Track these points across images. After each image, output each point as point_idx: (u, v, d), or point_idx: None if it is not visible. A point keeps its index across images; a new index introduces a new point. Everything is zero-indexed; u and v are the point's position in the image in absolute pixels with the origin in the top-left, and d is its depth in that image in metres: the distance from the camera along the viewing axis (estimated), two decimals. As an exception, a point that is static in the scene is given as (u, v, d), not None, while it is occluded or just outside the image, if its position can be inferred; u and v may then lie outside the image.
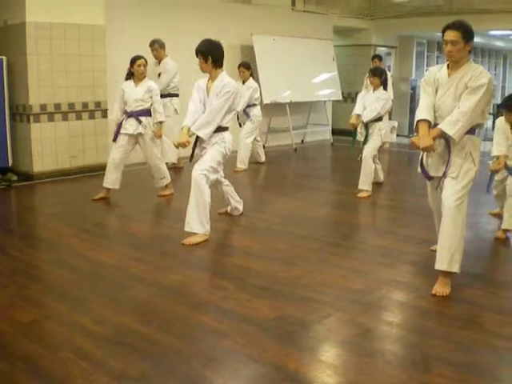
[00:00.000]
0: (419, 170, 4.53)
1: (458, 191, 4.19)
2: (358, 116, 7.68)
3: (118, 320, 3.82)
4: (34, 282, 4.57)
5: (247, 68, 9.64)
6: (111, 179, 7.31)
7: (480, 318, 3.92)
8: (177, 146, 5.73)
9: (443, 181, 4.32)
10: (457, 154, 4.23)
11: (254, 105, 9.74)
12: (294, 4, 12.91)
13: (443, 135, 4.18)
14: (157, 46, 8.75)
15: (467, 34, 4.13)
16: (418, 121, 4.30)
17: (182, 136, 5.58)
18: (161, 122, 7.32)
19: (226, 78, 5.61)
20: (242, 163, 9.60)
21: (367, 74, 8.62)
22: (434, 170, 4.40)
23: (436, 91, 4.31)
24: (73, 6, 8.58)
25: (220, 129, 5.59)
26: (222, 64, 5.64)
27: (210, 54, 5.51)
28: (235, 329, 3.68)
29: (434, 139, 4.19)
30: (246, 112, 9.69)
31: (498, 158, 5.65)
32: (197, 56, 5.56)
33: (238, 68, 9.63)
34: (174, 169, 9.14)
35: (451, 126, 4.11)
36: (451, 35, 4.12)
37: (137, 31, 9.56)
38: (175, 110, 8.83)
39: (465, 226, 4.27)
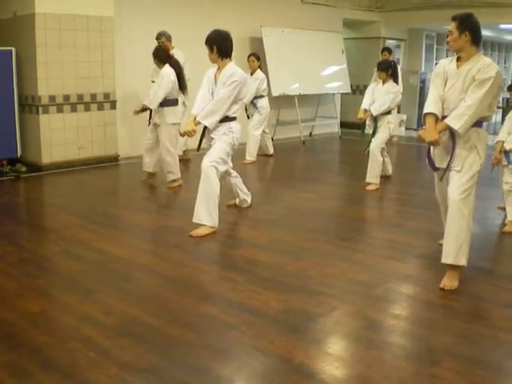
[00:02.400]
0: (427, 160, 4.53)
1: (464, 184, 4.18)
2: (366, 110, 7.66)
3: (127, 311, 3.83)
4: (42, 273, 4.59)
5: (258, 58, 9.70)
6: (144, 162, 7.80)
7: (487, 312, 3.92)
8: (182, 135, 5.73)
9: (448, 173, 4.32)
10: (462, 147, 4.22)
11: (262, 96, 9.74)
12: (303, -4, 12.86)
13: (449, 128, 4.17)
14: (163, 39, 8.74)
15: (462, 23, 4.15)
16: (425, 114, 4.31)
17: (188, 124, 5.58)
18: (146, 109, 7.62)
19: (233, 67, 5.60)
20: (250, 155, 9.61)
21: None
22: (439, 160, 4.41)
23: (445, 83, 4.30)
24: (82, -4, 8.59)
25: (227, 119, 5.59)
26: (230, 55, 5.63)
27: (216, 45, 5.52)
28: (243, 321, 3.68)
29: (439, 133, 4.19)
30: (253, 103, 9.69)
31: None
32: (206, 45, 5.58)
33: (248, 58, 9.66)
34: (182, 161, 9.13)
35: (457, 119, 4.11)
36: (450, 26, 4.21)
37: (145, 23, 9.56)
38: (183, 102, 8.83)
39: (471, 219, 4.26)
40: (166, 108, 7.40)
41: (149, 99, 7.52)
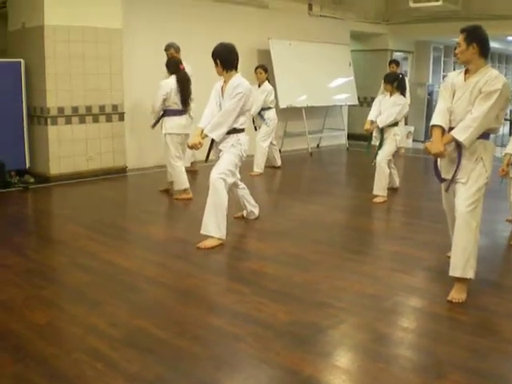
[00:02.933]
0: (434, 171, 4.54)
1: (471, 197, 4.17)
2: (372, 122, 7.67)
3: (133, 322, 3.83)
4: (49, 283, 4.60)
5: (265, 70, 9.78)
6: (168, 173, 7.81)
7: (495, 325, 3.90)
8: (190, 148, 5.75)
9: (454, 185, 4.32)
10: (468, 158, 4.23)
11: (269, 108, 9.78)
12: (310, 9, 12.89)
13: (455, 140, 4.18)
14: (172, 50, 8.75)
15: (470, 35, 4.18)
16: (432, 126, 4.33)
17: (195, 137, 5.61)
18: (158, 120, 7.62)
19: (238, 79, 5.64)
20: (258, 167, 9.62)
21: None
22: (444, 171, 4.42)
23: (453, 96, 4.31)
24: (90, 9, 8.65)
25: (235, 130, 5.62)
26: (236, 67, 5.67)
27: (219, 58, 5.58)
28: (250, 333, 3.68)
29: (445, 144, 4.20)
30: (260, 115, 9.72)
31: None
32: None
33: (256, 69, 9.73)
34: (189, 172, 9.14)
35: (462, 131, 4.13)
36: (459, 38, 4.23)
37: (153, 35, 9.61)
38: (189, 114, 8.82)
39: (478, 231, 4.25)
40: (165, 118, 7.50)
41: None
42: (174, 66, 7.56)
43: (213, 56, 5.60)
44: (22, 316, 3.92)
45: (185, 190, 7.57)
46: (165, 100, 7.42)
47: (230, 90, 5.57)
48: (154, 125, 7.72)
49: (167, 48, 8.76)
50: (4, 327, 3.74)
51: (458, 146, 4.21)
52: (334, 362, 3.37)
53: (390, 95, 7.75)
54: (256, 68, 9.78)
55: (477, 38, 4.17)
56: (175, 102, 7.47)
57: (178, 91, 7.44)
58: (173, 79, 7.45)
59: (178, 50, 8.83)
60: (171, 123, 7.48)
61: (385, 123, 7.58)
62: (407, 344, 3.63)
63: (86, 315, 3.94)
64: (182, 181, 7.53)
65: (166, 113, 7.50)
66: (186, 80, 7.57)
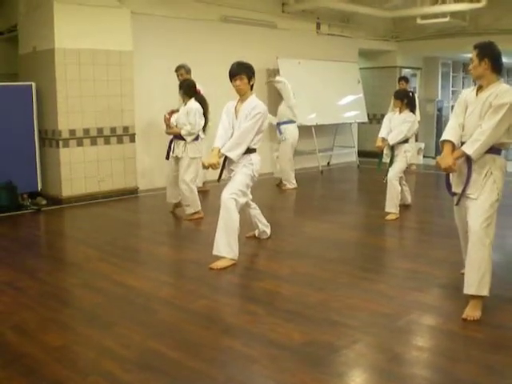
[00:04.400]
0: (445, 185, 4.54)
1: (484, 213, 4.16)
2: (384, 139, 7.67)
3: (147, 344, 3.82)
4: (63, 306, 4.61)
5: None
6: (170, 194, 7.88)
7: (511, 342, 3.86)
8: (207, 167, 5.73)
9: (465, 200, 4.31)
10: (478, 173, 4.23)
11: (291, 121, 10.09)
12: (318, 27, 12.96)
13: (465, 154, 4.19)
14: (183, 71, 8.81)
15: (482, 51, 4.23)
16: (442, 141, 4.35)
17: (213, 157, 5.61)
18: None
19: (255, 100, 5.67)
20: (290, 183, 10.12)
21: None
22: (455, 185, 4.43)
23: (465, 112, 4.33)
24: (101, 32, 8.75)
25: (248, 150, 5.63)
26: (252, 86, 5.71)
27: (253, 75, 5.64)
28: (264, 354, 3.66)
29: (456, 159, 4.21)
30: (279, 128, 9.98)
31: None
32: (234, 77, 5.59)
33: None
34: (201, 192, 9.15)
35: (470, 145, 4.16)
36: (472, 54, 4.27)
37: (163, 56, 9.69)
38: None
39: (492, 247, 4.22)
40: (189, 142, 7.47)
41: (185, 129, 7.46)
42: (191, 89, 7.53)
43: (244, 73, 5.58)
44: (36, 339, 3.92)
45: (197, 211, 7.57)
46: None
47: (248, 110, 5.59)
48: (168, 155, 7.71)
49: (178, 69, 8.81)
50: (18, 350, 3.74)
51: (468, 160, 4.22)
52: (350, 383, 3.35)
53: (400, 112, 7.76)
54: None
55: (489, 54, 4.21)
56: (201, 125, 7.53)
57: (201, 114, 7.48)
58: (196, 103, 7.45)
59: (188, 71, 8.88)
60: (195, 147, 7.51)
61: (395, 140, 7.57)
62: (423, 363, 3.59)
63: (99, 337, 3.94)
64: (197, 203, 7.55)
65: None
66: (205, 104, 7.60)
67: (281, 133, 10.04)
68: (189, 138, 7.43)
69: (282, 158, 10.07)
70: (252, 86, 5.68)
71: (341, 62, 13.12)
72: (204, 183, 9.52)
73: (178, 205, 7.87)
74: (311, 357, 3.61)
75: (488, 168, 4.22)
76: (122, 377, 3.37)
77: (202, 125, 7.52)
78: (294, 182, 10.12)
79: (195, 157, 7.48)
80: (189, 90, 7.50)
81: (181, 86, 7.59)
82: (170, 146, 7.66)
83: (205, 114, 7.54)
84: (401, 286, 4.98)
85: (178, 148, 7.51)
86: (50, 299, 4.71)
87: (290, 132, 10.03)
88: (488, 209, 4.17)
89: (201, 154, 7.61)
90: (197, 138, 7.57)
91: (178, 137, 7.50)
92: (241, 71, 5.58)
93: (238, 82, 5.59)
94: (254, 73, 5.65)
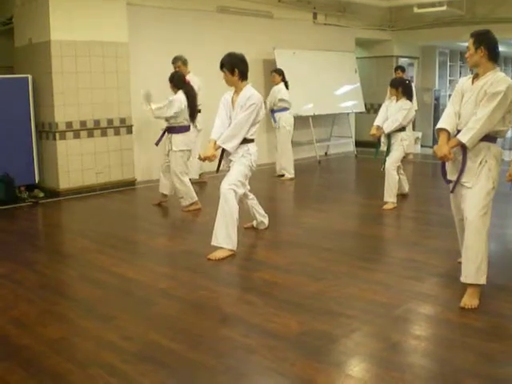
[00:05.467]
0: (441, 172, 4.55)
1: (479, 202, 4.18)
2: (379, 127, 7.66)
3: (147, 336, 3.83)
4: (61, 298, 4.61)
5: (279, 73, 10.18)
6: (162, 184, 7.84)
7: (509, 330, 3.88)
8: (203, 160, 5.74)
9: (460, 188, 4.33)
10: (472, 160, 4.25)
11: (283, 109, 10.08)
12: (315, 17, 12.92)
13: (460, 143, 4.19)
14: (179, 63, 8.79)
15: (478, 39, 4.24)
16: (438, 129, 4.37)
17: (209, 149, 5.61)
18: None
19: (250, 90, 5.65)
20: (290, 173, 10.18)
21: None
22: (450, 173, 4.44)
23: (462, 100, 4.34)
24: (97, 24, 8.71)
25: (245, 141, 5.62)
26: (247, 76, 5.68)
27: (237, 67, 5.57)
28: (263, 344, 3.67)
29: (452, 148, 4.22)
30: (273, 116, 10.02)
31: None
32: (221, 69, 5.61)
33: (271, 73, 10.36)
34: (198, 184, 9.16)
35: (465, 133, 4.17)
36: (468, 42, 4.29)
37: (160, 47, 9.65)
38: (195, 126, 8.73)
39: (488, 236, 4.23)
40: (174, 135, 7.45)
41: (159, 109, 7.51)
42: (179, 80, 7.56)
43: (229, 65, 5.57)
44: (36, 331, 3.93)
45: (194, 203, 7.57)
46: (175, 117, 7.41)
47: (243, 101, 5.58)
48: (158, 142, 7.71)
49: (174, 61, 8.80)
50: (18, 343, 3.75)
51: (463, 147, 4.23)
52: (348, 372, 3.36)
53: (397, 100, 7.75)
54: (271, 72, 10.33)
55: (484, 42, 4.22)
56: (186, 119, 7.49)
57: (187, 106, 7.45)
58: (183, 95, 7.45)
59: (185, 62, 8.87)
60: (182, 140, 7.47)
61: (391, 128, 7.57)
62: (421, 352, 3.61)
63: (98, 329, 3.94)
64: (191, 194, 7.52)
65: (176, 129, 7.46)
66: (193, 95, 7.58)
67: (275, 121, 10.04)
68: (155, 113, 7.50)
69: (282, 147, 10.05)
70: (243, 76, 5.63)
71: (338, 51, 13.10)
72: (201, 175, 9.52)
73: (165, 197, 7.86)
74: (310, 346, 3.62)
75: (483, 156, 4.23)
76: (123, 368, 3.37)
77: (186, 117, 7.51)
78: (293, 172, 10.11)
79: (183, 149, 7.46)
80: (179, 82, 7.53)
81: (171, 79, 7.58)
82: (162, 135, 7.66)
83: (193, 106, 7.54)
84: (398, 275, 4.99)
85: (168, 140, 7.54)
86: (49, 291, 4.72)
87: (286, 119, 10.03)
88: (484, 197, 4.18)
89: (190, 146, 7.60)
90: (186, 130, 7.55)
91: (170, 130, 7.50)
92: (222, 66, 5.60)
93: (223, 76, 5.64)
94: (235, 63, 5.58)
